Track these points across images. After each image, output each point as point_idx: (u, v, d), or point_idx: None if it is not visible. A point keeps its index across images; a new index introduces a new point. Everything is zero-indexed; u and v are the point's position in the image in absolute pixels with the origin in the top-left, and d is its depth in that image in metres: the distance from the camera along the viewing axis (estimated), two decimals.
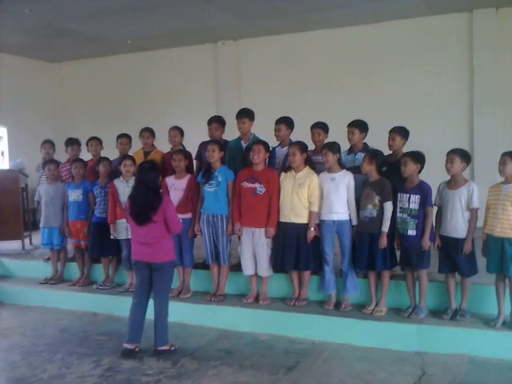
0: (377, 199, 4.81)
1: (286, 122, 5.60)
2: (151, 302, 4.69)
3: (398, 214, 4.79)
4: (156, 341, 4.63)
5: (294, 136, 5.58)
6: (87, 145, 6.61)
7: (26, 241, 8.15)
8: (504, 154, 4.47)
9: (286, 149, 5.55)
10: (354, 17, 8.34)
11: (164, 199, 4.60)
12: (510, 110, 8.02)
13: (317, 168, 5.17)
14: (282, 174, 5.24)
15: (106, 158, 6.23)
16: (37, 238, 7.55)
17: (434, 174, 4.84)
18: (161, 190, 4.77)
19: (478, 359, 4.32)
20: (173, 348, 4.67)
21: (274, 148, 5.65)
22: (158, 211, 4.50)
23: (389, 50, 8.65)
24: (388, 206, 4.77)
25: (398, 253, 4.97)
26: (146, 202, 4.51)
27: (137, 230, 4.61)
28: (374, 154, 4.89)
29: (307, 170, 5.13)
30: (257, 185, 5.21)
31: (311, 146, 5.47)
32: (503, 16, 7.98)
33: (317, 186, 5.06)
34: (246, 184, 5.27)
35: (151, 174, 4.61)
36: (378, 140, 5.26)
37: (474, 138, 8.17)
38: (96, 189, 6.15)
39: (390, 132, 5.20)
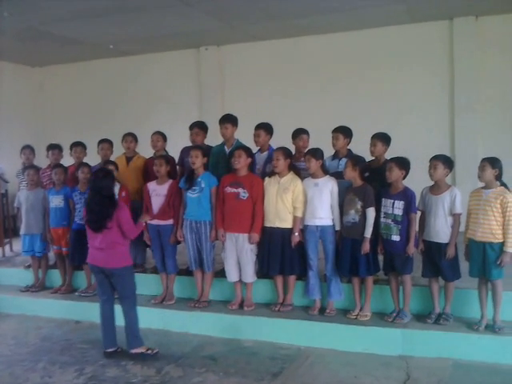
0: (359, 205, 4.84)
1: (265, 128, 5.61)
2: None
3: (382, 220, 4.82)
4: (128, 344, 4.66)
5: (279, 142, 5.59)
6: (71, 149, 6.53)
7: (7, 248, 8.01)
8: (483, 160, 4.55)
9: (265, 154, 5.59)
10: (337, 24, 8.39)
11: (118, 205, 4.62)
12: (490, 115, 8.13)
13: (301, 174, 5.18)
14: (266, 179, 5.24)
15: (85, 164, 6.14)
16: (17, 244, 7.43)
17: (415, 180, 4.87)
18: (116, 197, 4.82)
19: (462, 362, 4.37)
20: (150, 351, 4.65)
21: (253, 154, 5.66)
22: (113, 218, 4.54)
23: (371, 57, 8.71)
24: (370, 212, 4.80)
25: (380, 258, 4.99)
26: (101, 210, 4.56)
27: (93, 236, 4.67)
28: (356, 160, 4.93)
29: (291, 175, 5.14)
30: (240, 190, 5.20)
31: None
32: (483, 24, 8.09)
33: (301, 191, 5.07)
34: (229, 189, 5.26)
35: (105, 182, 4.65)
36: (360, 146, 5.30)
37: (455, 144, 8.26)
38: (75, 195, 6.06)
39: (371, 138, 5.25)
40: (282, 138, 5.61)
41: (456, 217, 4.59)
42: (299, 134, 5.55)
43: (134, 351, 4.63)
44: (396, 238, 4.73)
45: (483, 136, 8.10)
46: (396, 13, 7.88)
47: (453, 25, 8.25)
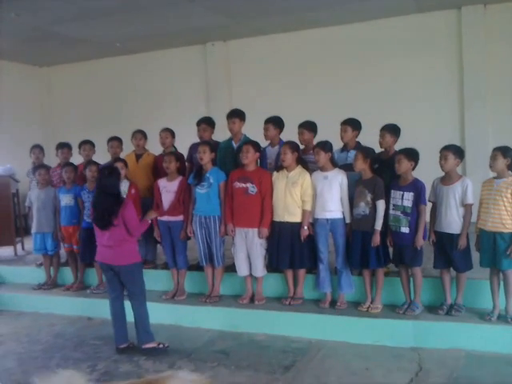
0: (369, 197, 4.81)
1: (274, 122, 5.59)
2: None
3: (391, 211, 4.79)
4: (139, 340, 4.69)
5: (286, 136, 5.59)
6: (79, 148, 6.56)
7: (18, 246, 8.09)
8: (495, 149, 4.50)
9: (276, 148, 5.56)
10: (344, 15, 8.35)
11: (123, 203, 4.62)
12: (500, 105, 8.07)
13: (309, 167, 5.17)
14: (275, 174, 5.23)
15: (93, 163, 6.14)
16: (29, 243, 7.49)
17: (425, 170, 4.84)
18: (122, 194, 4.85)
19: (475, 353, 4.34)
20: (161, 345, 4.68)
21: (264, 148, 5.65)
22: (118, 215, 4.54)
23: (379, 49, 8.66)
24: (381, 204, 4.78)
25: (390, 250, 4.97)
26: (106, 208, 4.57)
27: (100, 234, 4.70)
28: (367, 152, 4.90)
29: (299, 168, 5.13)
30: (248, 185, 5.20)
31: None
32: (491, 12, 8.01)
33: (309, 184, 5.06)
34: (237, 184, 5.26)
35: (110, 180, 4.66)
36: (369, 138, 5.27)
37: (464, 134, 8.21)
38: (84, 193, 6.07)
39: (380, 130, 5.21)
40: (290, 132, 5.60)
41: (467, 207, 4.55)
42: (299, 128, 5.52)
43: (145, 346, 4.66)
44: (405, 229, 4.71)
45: (493, 125, 8.04)
46: (403, 3, 7.83)
47: (461, 14, 8.18)
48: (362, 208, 4.85)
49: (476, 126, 8.13)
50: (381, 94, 8.56)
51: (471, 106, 8.18)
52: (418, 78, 8.46)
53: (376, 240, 4.77)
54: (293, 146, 5.13)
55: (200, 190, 5.39)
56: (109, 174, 4.71)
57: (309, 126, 5.50)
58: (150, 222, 5.08)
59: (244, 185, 5.21)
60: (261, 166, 5.46)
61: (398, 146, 5.10)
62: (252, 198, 5.18)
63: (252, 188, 5.18)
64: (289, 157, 5.06)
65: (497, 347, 4.35)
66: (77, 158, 6.74)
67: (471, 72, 8.17)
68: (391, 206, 4.80)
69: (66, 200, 6.24)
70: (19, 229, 8.41)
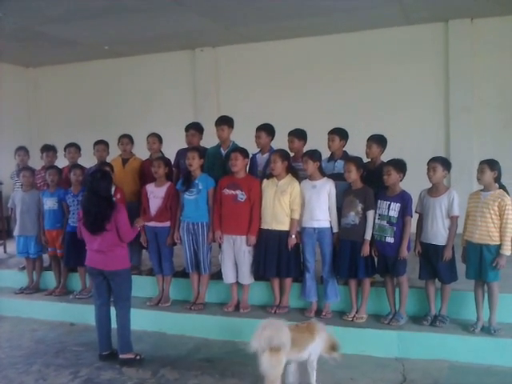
0: (360, 207, 4.83)
1: (267, 129, 5.59)
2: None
3: (377, 221, 4.82)
4: (118, 348, 4.62)
5: (274, 143, 5.59)
6: (65, 151, 6.49)
7: (0, 249, 7.97)
8: (482, 162, 4.55)
9: (266, 155, 5.55)
10: (332, 25, 8.39)
11: (116, 207, 4.56)
12: (486, 117, 8.16)
13: (299, 175, 5.17)
14: (264, 182, 5.23)
15: (77, 166, 6.09)
16: (11, 246, 7.38)
17: (408, 181, 4.85)
18: (114, 198, 4.79)
19: (458, 364, 4.38)
20: (138, 357, 4.62)
21: (254, 155, 5.64)
22: (111, 220, 4.47)
23: (366, 60, 8.71)
24: (371, 214, 4.81)
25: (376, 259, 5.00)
26: (99, 212, 4.47)
27: (91, 239, 4.58)
28: (359, 163, 4.91)
29: (289, 177, 5.13)
30: (238, 192, 5.19)
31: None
32: (478, 26, 8.12)
33: (298, 193, 5.06)
34: (226, 191, 5.24)
35: (103, 183, 4.56)
36: (356, 148, 5.29)
37: (450, 145, 8.29)
38: (69, 197, 6.02)
39: (367, 140, 5.23)
40: (278, 140, 5.60)
41: (453, 219, 4.60)
42: (289, 135, 5.52)
43: (123, 356, 4.59)
44: (390, 239, 4.74)
45: (478, 137, 8.13)
46: (391, 14, 7.89)
47: (448, 27, 8.27)
48: (352, 218, 4.87)
49: (461, 137, 8.20)
50: (367, 103, 8.60)
51: (456, 118, 8.25)
52: (405, 89, 8.53)
53: (366, 250, 4.80)
54: (283, 154, 5.13)
55: (188, 197, 5.36)
56: (101, 177, 4.61)
57: (299, 134, 5.50)
58: (139, 229, 5.01)
59: (233, 192, 5.20)
60: (251, 174, 5.44)
61: (384, 157, 5.13)
62: (241, 205, 5.17)
63: (241, 195, 5.17)
64: (279, 165, 5.06)
65: (480, 359, 4.38)
66: (62, 161, 6.66)
67: (457, 84, 8.26)
68: (377, 216, 4.82)
69: (49, 203, 6.16)
70: (1, 231, 8.28)
